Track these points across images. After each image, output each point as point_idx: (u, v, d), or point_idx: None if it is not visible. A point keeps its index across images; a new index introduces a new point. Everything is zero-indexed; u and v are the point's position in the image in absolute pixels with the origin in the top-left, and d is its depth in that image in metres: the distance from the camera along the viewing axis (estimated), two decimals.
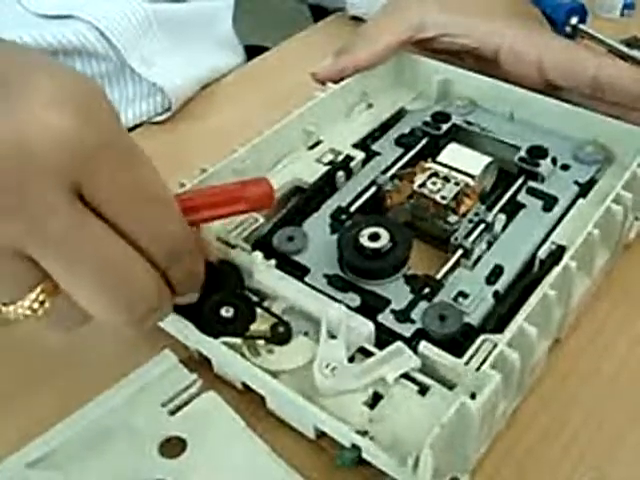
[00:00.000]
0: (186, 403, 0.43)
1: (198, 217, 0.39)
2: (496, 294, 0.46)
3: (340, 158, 0.57)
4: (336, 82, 0.62)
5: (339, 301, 0.44)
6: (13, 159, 0.31)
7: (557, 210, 0.52)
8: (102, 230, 0.33)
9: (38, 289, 0.34)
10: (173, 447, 0.41)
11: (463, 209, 0.51)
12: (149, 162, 0.35)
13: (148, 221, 0.35)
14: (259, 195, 0.40)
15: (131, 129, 0.72)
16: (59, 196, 0.32)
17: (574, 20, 0.76)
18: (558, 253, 0.47)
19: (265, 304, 0.45)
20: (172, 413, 0.42)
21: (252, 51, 0.88)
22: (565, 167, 0.56)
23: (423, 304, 0.45)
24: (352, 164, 0.56)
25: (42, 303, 0.35)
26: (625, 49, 0.72)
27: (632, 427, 0.44)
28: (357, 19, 0.86)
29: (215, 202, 0.40)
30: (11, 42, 0.37)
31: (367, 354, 0.42)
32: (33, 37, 0.66)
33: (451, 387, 0.40)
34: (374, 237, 0.47)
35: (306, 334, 0.44)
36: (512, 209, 0.52)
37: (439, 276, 0.47)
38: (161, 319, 0.39)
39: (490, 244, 0.50)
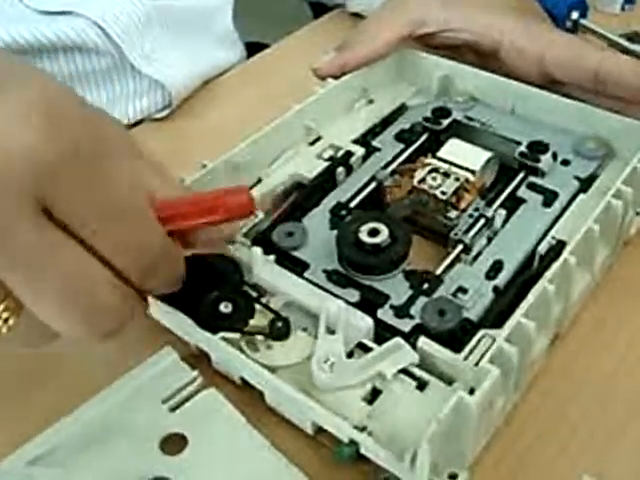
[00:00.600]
0: (187, 400, 0.43)
1: (175, 226, 0.38)
2: (496, 289, 0.46)
3: (340, 154, 0.57)
4: (336, 78, 0.62)
5: (338, 296, 0.44)
6: None
7: (557, 205, 0.52)
8: (66, 246, 0.32)
9: (1, 307, 0.34)
10: (174, 444, 0.41)
11: (463, 204, 0.51)
12: (123, 171, 0.35)
13: (119, 237, 0.34)
14: (239, 204, 0.39)
15: (131, 125, 0.72)
16: (22, 212, 0.31)
17: (575, 15, 0.76)
18: (558, 248, 0.47)
19: (264, 300, 0.45)
20: (173, 410, 0.42)
21: (252, 48, 0.88)
22: (565, 162, 0.56)
23: (422, 299, 0.45)
24: (352, 160, 0.56)
25: (6, 321, 0.34)
26: (626, 43, 0.72)
27: (631, 423, 0.44)
28: (357, 15, 0.85)
29: (193, 211, 0.39)
30: None
31: (366, 349, 0.42)
32: (33, 33, 0.66)
33: (450, 382, 0.40)
34: (373, 232, 0.47)
35: (305, 329, 0.44)
36: (512, 204, 0.52)
37: (438, 271, 0.47)
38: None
39: (490, 239, 0.50)
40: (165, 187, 0.39)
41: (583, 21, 0.75)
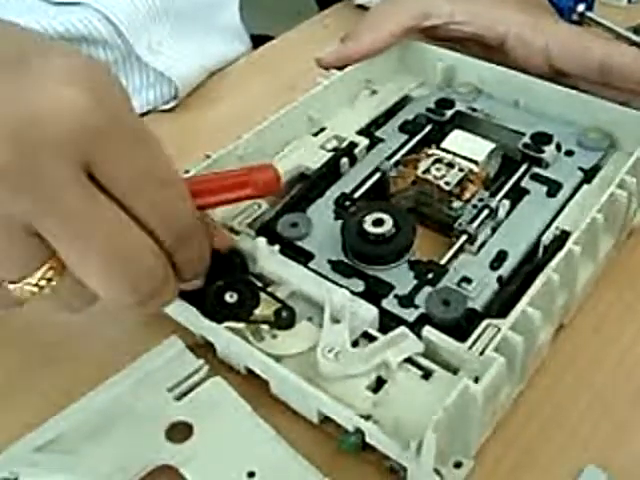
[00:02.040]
0: (192, 388, 0.43)
1: (204, 202, 0.39)
2: (500, 279, 0.46)
3: (344, 145, 0.57)
4: (340, 69, 0.62)
5: (343, 286, 0.44)
6: (25, 134, 0.31)
7: (561, 196, 0.52)
8: (110, 208, 0.33)
9: (45, 266, 0.34)
10: (179, 432, 0.41)
11: (467, 195, 0.51)
12: (159, 145, 0.36)
13: (157, 202, 0.35)
14: (266, 180, 0.40)
15: None
16: (70, 172, 0.32)
17: (581, 7, 0.75)
18: (562, 238, 0.47)
19: (269, 289, 0.45)
20: (178, 398, 0.42)
21: (258, 40, 0.88)
22: (569, 153, 0.56)
23: (427, 289, 0.46)
24: (356, 150, 0.57)
25: (49, 281, 0.35)
26: (633, 36, 0.71)
27: (637, 412, 0.44)
28: (362, 8, 0.85)
29: (222, 187, 0.40)
30: (27, 28, 0.37)
31: (371, 339, 0.42)
32: (40, 24, 0.66)
33: (455, 372, 0.40)
34: (378, 223, 0.47)
35: (310, 319, 0.44)
36: (516, 195, 0.52)
37: (443, 261, 0.48)
38: (165, 304, 0.39)
39: (494, 230, 0.50)
40: None
41: (589, 14, 0.75)
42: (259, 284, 0.45)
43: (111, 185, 0.33)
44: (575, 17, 0.75)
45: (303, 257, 0.48)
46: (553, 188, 0.52)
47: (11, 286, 0.35)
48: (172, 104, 0.73)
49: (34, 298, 0.35)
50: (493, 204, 0.51)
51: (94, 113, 0.32)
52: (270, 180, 0.40)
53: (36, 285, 0.35)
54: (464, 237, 0.49)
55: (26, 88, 0.31)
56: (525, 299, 0.41)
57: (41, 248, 0.34)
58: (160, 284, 0.36)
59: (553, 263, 0.43)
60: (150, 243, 0.35)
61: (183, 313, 0.44)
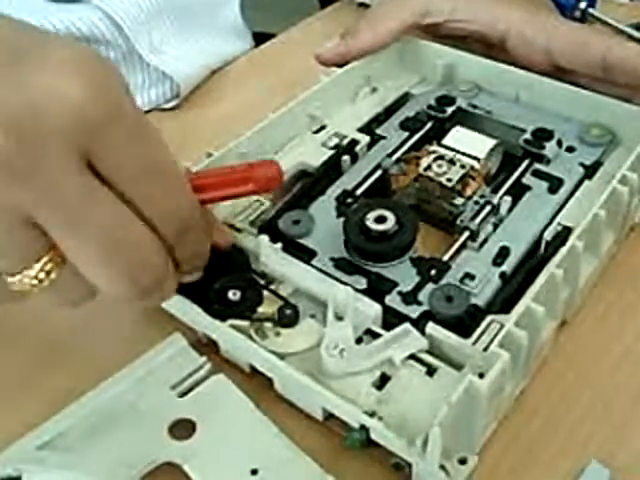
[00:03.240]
0: (196, 385, 0.43)
1: (206, 197, 0.39)
2: (503, 275, 0.46)
3: (345, 142, 0.57)
4: (340, 66, 0.62)
5: (346, 284, 0.44)
6: (26, 123, 0.30)
7: (563, 192, 0.52)
8: (110, 200, 0.33)
9: (45, 258, 0.34)
10: (183, 429, 0.41)
11: (469, 191, 0.51)
12: (161, 138, 0.35)
13: (158, 194, 0.35)
14: (268, 176, 0.40)
15: None
16: (69, 162, 0.31)
17: (583, 4, 0.76)
18: (564, 234, 0.47)
19: (272, 287, 0.45)
20: (182, 395, 0.43)
21: (259, 38, 0.88)
22: (570, 149, 0.56)
23: (430, 286, 0.46)
24: (357, 148, 0.57)
25: (48, 273, 0.34)
26: (634, 33, 0.71)
27: (639, 410, 0.44)
28: (364, 6, 0.85)
29: (224, 182, 0.40)
30: (28, 23, 0.37)
31: (374, 336, 0.42)
32: (41, 23, 0.66)
33: (459, 368, 0.40)
34: (380, 220, 0.47)
35: (313, 316, 0.44)
36: (518, 191, 0.52)
37: (445, 258, 0.48)
38: (164, 298, 0.39)
39: (496, 226, 0.50)
40: None
41: (591, 10, 0.75)
42: (262, 282, 0.45)
43: (111, 176, 0.33)
44: (577, 14, 0.75)
45: (305, 255, 0.48)
46: (554, 184, 0.52)
47: (10, 279, 0.35)
48: (174, 103, 0.73)
49: (33, 291, 0.35)
50: (495, 200, 0.51)
51: (94, 103, 0.32)
52: (272, 176, 0.40)
53: (35, 277, 0.34)
54: (466, 234, 0.49)
55: (26, 77, 0.31)
56: (529, 295, 0.41)
57: (40, 240, 0.33)
58: (160, 277, 0.36)
59: (556, 259, 0.43)
60: (150, 235, 0.35)
61: (186, 311, 0.44)
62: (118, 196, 0.33)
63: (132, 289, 0.35)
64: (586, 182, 0.52)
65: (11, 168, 0.31)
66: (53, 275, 0.35)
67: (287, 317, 0.43)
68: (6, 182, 0.31)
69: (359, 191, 0.53)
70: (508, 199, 0.51)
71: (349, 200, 0.52)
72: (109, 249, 0.33)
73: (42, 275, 0.35)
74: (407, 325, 0.41)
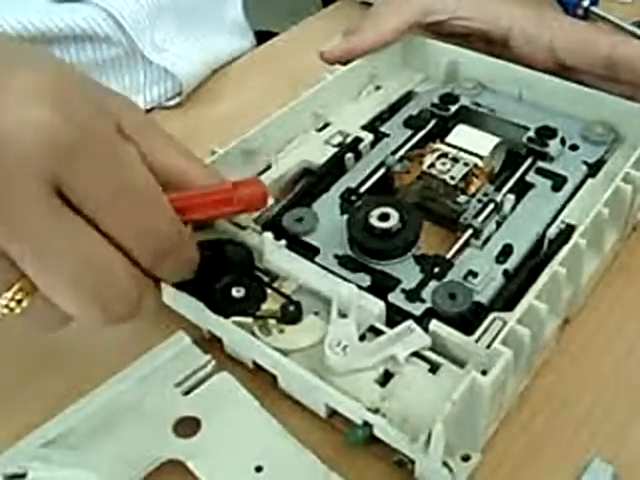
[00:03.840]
0: (200, 383, 0.43)
1: (188, 219, 0.39)
2: (506, 273, 0.46)
3: (349, 140, 0.57)
4: (344, 64, 0.62)
5: (349, 281, 0.44)
6: None
7: (566, 190, 0.52)
8: (81, 229, 0.33)
9: (15, 287, 0.34)
10: (187, 427, 0.41)
11: (472, 189, 0.51)
12: (137, 159, 0.35)
13: (131, 219, 0.34)
14: (251, 196, 0.40)
15: None
16: (36, 191, 0.31)
17: (586, 2, 0.75)
18: (567, 232, 0.47)
19: (276, 284, 0.45)
20: (186, 393, 0.43)
21: (262, 36, 0.88)
22: (574, 147, 0.56)
23: (433, 283, 0.46)
24: (361, 146, 0.57)
25: (19, 302, 0.34)
26: (638, 31, 0.71)
27: None
28: (366, 4, 0.85)
29: (206, 204, 0.39)
30: None
31: (378, 333, 0.42)
32: (44, 22, 0.66)
33: (462, 365, 0.40)
34: (384, 217, 0.47)
35: (317, 313, 0.44)
36: (521, 189, 0.52)
37: (449, 256, 0.48)
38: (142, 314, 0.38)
39: (499, 224, 0.50)
40: (191, 167, 0.39)
41: (594, 9, 0.75)
42: (266, 279, 0.45)
43: (82, 203, 0.32)
44: (580, 12, 0.75)
45: (309, 252, 0.48)
46: (558, 182, 0.52)
47: None
48: (176, 100, 0.73)
49: (7, 317, 0.35)
50: (498, 198, 0.51)
51: (61, 129, 0.31)
52: (258, 196, 0.40)
53: (6, 306, 0.34)
54: (469, 231, 0.49)
55: None
56: (532, 292, 0.41)
57: (10, 270, 0.33)
58: (134, 302, 0.35)
59: (560, 256, 0.43)
60: (123, 263, 0.34)
61: (190, 308, 0.44)
62: (89, 221, 0.33)
63: (104, 317, 0.35)
64: (589, 180, 0.52)
65: None
66: (24, 303, 0.35)
67: (291, 314, 0.43)
68: None
69: (363, 189, 0.53)
70: (511, 197, 0.51)
71: (353, 198, 0.52)
72: (79, 280, 0.33)
73: (13, 304, 0.34)
74: (410, 322, 0.42)
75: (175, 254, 0.37)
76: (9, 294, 0.34)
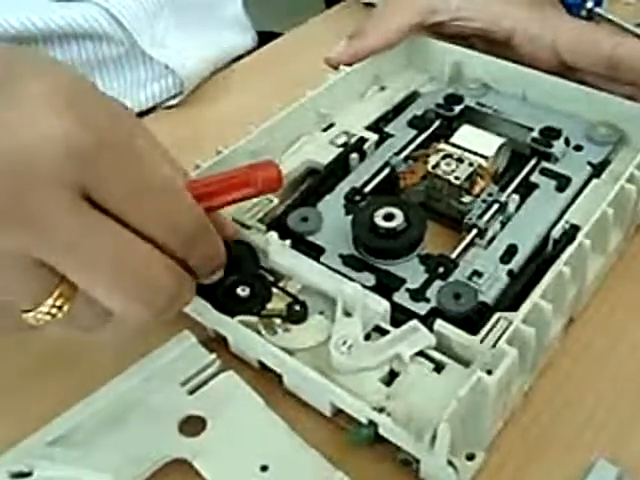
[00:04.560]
0: (205, 382, 0.43)
1: (208, 205, 0.39)
2: (510, 273, 0.46)
3: (353, 140, 0.57)
4: (349, 65, 0.62)
5: (354, 280, 0.44)
6: (14, 169, 0.30)
7: (570, 190, 0.52)
8: (113, 229, 0.33)
9: (55, 294, 0.34)
10: (193, 426, 0.41)
11: (477, 189, 0.51)
12: (153, 153, 0.35)
13: (157, 213, 0.34)
14: (267, 179, 0.40)
15: (144, 112, 0.72)
16: (65, 201, 0.31)
17: (590, 3, 0.75)
18: (572, 232, 0.47)
19: (281, 284, 0.45)
20: (191, 392, 0.43)
21: (265, 37, 0.88)
22: (578, 148, 0.56)
23: (438, 283, 0.46)
24: (365, 146, 0.57)
25: (60, 307, 0.35)
26: None
27: None
28: (370, 5, 0.85)
29: (224, 188, 0.40)
30: None
31: (383, 332, 0.42)
32: (44, 20, 0.66)
33: (467, 365, 0.40)
34: (389, 217, 0.47)
35: (322, 313, 0.44)
36: (525, 189, 0.52)
37: (454, 255, 0.48)
38: (184, 306, 0.39)
39: (504, 224, 0.50)
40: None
41: (598, 9, 0.75)
42: (271, 278, 0.45)
43: (110, 204, 0.33)
44: (584, 13, 0.75)
45: (314, 251, 0.48)
46: (562, 182, 0.53)
47: (24, 315, 0.35)
48: (178, 99, 0.73)
49: (49, 324, 0.35)
50: (503, 198, 0.51)
51: (79, 135, 0.31)
52: (272, 178, 0.40)
53: (48, 313, 0.35)
54: (474, 231, 0.49)
55: (5, 122, 0.31)
56: (537, 292, 0.41)
57: (49, 277, 0.33)
58: (173, 294, 0.36)
59: (564, 256, 0.43)
60: (158, 255, 0.35)
61: (196, 307, 0.44)
62: (119, 221, 0.33)
63: (147, 310, 0.35)
64: (594, 180, 0.52)
65: (5, 215, 0.31)
66: (65, 308, 0.35)
67: (296, 313, 0.43)
68: (6, 230, 0.31)
69: (367, 189, 0.53)
70: (516, 197, 0.51)
71: (357, 198, 0.52)
72: (119, 278, 0.33)
73: (54, 310, 0.35)
74: (415, 322, 0.42)
75: (202, 241, 0.37)
76: (50, 301, 0.34)
